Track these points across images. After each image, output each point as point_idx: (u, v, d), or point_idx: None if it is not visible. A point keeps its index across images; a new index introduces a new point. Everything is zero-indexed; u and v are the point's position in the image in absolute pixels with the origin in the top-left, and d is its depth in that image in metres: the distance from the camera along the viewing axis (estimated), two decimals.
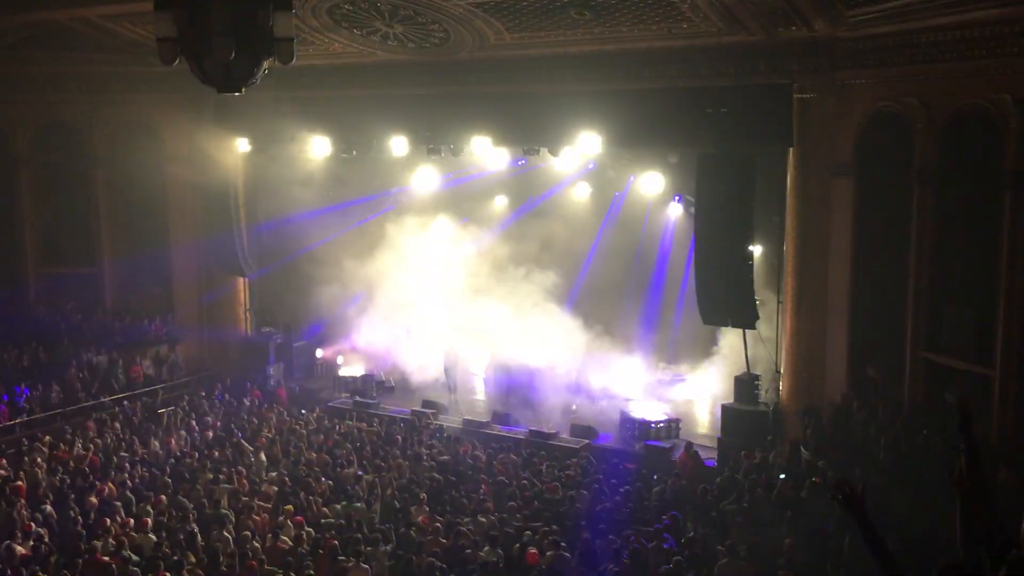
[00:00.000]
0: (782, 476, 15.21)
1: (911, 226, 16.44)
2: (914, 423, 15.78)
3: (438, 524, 13.77)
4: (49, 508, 14.71)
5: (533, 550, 12.58)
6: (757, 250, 19.29)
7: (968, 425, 4.89)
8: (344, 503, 14.99)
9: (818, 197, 18.00)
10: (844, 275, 17.88)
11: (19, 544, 13.07)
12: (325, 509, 14.87)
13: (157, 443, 18.49)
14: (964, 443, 4.90)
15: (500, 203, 25.15)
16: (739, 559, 11.86)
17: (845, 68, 17.16)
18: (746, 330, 18.86)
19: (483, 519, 14.12)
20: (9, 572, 11.92)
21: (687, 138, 18.98)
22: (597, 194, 23.95)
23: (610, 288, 23.35)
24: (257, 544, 13.33)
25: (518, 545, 12.85)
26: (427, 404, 21.76)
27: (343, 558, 12.27)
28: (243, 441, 18.28)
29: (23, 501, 14.76)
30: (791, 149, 18.19)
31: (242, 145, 23.26)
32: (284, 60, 6.63)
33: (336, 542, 12.75)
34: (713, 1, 15.86)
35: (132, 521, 14.21)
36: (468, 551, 12.59)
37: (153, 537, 13.40)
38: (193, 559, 12.38)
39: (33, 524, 13.81)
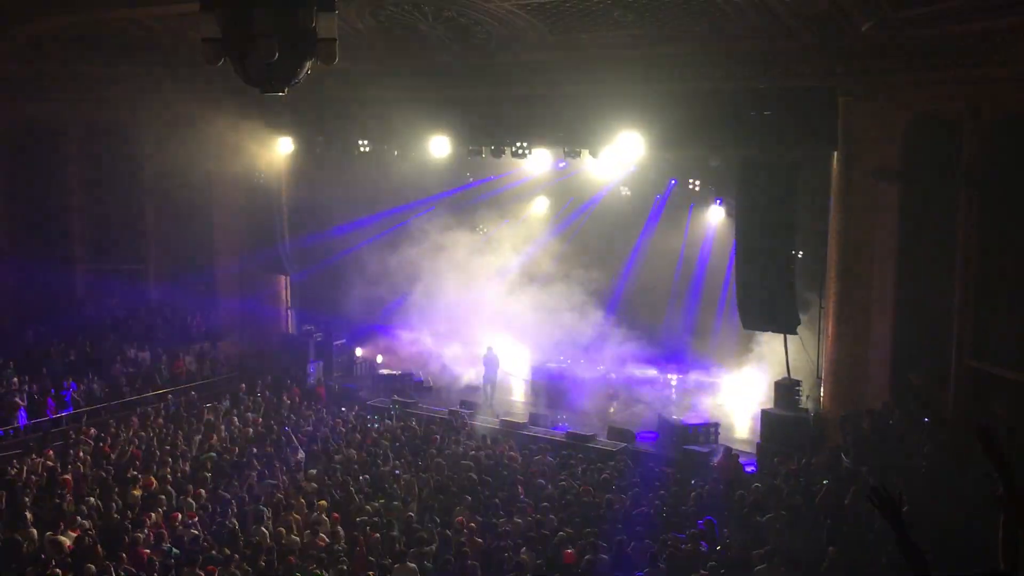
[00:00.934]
0: (824, 482, 15.03)
1: (957, 231, 16.17)
2: (957, 432, 15.52)
3: (474, 524, 13.80)
4: (94, 500, 14.98)
5: (570, 550, 12.56)
6: (799, 254, 19.09)
7: (994, 449, 4.81)
8: (382, 501, 15.08)
9: (862, 201, 17.77)
10: (888, 280, 17.64)
11: (65, 536, 13.33)
12: (367, 507, 14.97)
13: (199, 438, 18.73)
14: (994, 467, 4.83)
15: (541, 206, 25.11)
16: (777, 566, 11.75)
17: (891, 71, 16.91)
18: (787, 335, 18.67)
19: (519, 520, 14.12)
20: (54, 563, 12.15)
21: (730, 141, 18.85)
22: (637, 197, 23.83)
23: (652, 291, 23.24)
24: (295, 539, 13.46)
25: (554, 546, 12.83)
26: (464, 404, 21.82)
27: (386, 559, 12.34)
28: (292, 435, 18.46)
29: (70, 494, 15.05)
30: (835, 152, 17.98)
31: (286, 145, 23.50)
32: (326, 61, 6.70)
33: (378, 535, 12.84)
34: (757, 3, 15.73)
35: (178, 515, 14.40)
36: (506, 553, 12.59)
37: (195, 531, 13.57)
38: (233, 554, 12.50)
39: (79, 516, 14.07)
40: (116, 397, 21.49)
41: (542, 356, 23.58)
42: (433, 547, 13.09)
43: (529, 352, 23.84)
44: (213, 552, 12.59)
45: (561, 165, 23.14)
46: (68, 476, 15.95)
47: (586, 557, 12.42)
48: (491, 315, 23.78)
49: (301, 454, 17.87)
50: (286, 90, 6.77)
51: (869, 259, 17.89)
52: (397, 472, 16.42)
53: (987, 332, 16.07)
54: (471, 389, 23.10)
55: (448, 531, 13.73)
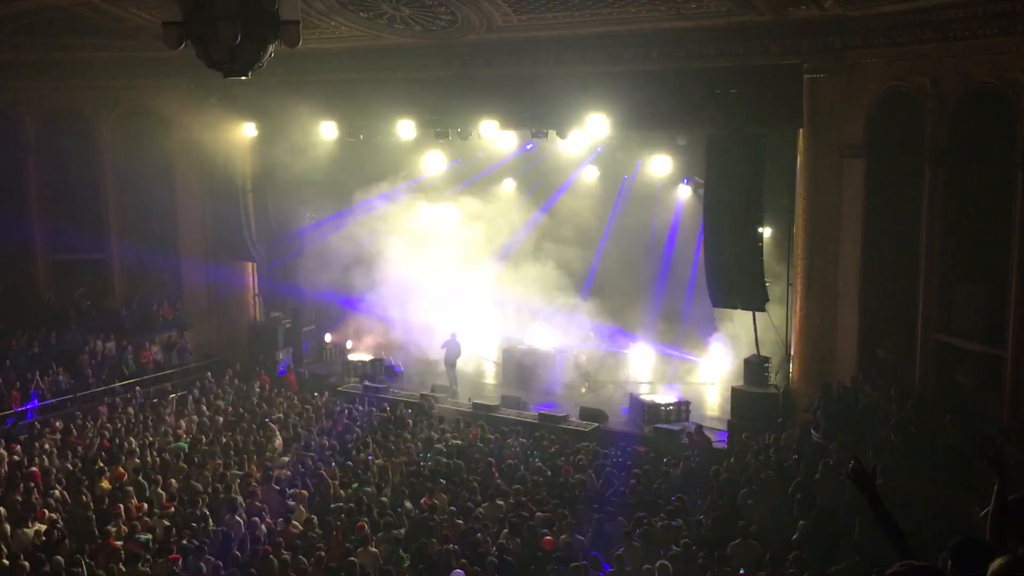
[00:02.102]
0: (794, 457, 15.19)
1: (922, 207, 16.33)
2: (925, 404, 15.74)
3: (452, 508, 13.81)
4: (59, 492, 14.80)
5: (549, 536, 12.59)
6: (767, 232, 19.21)
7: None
8: (355, 487, 15.03)
9: (828, 178, 17.90)
10: (855, 256, 17.80)
11: (32, 529, 13.16)
12: (339, 493, 14.91)
13: (168, 428, 18.55)
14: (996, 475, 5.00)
15: (511, 187, 24.98)
16: (750, 540, 11.87)
17: (855, 48, 17.03)
18: (756, 312, 18.80)
19: (500, 502, 14.13)
20: (22, 557, 11.99)
21: (696, 120, 18.87)
22: (605, 177, 23.83)
23: (623, 271, 23.28)
24: (267, 528, 13.38)
25: (528, 528, 12.86)
26: (436, 388, 21.77)
27: (350, 543, 12.32)
28: (269, 423, 18.35)
29: (37, 486, 14.83)
30: (801, 130, 18.07)
31: (249, 130, 23.21)
32: (290, 43, 6.60)
33: (364, 524, 12.82)
34: None
35: (145, 506, 14.27)
36: (479, 535, 12.60)
37: (166, 522, 13.45)
38: (204, 543, 12.41)
39: (47, 510, 13.88)
40: (82, 388, 21.20)
41: (513, 337, 23.56)
42: (402, 531, 13.09)
43: (500, 334, 23.79)
44: (184, 542, 12.48)
45: (529, 147, 23.10)
46: (35, 469, 15.72)
47: (563, 537, 12.47)
48: (462, 297, 23.70)
49: (278, 441, 17.73)
50: (249, 73, 6.66)
51: (836, 236, 18.03)
52: (371, 458, 16.38)
53: (951, 305, 16.27)
54: (443, 374, 23.03)
55: (424, 515, 13.72)
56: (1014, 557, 4.06)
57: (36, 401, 20.17)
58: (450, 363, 22.53)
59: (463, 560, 11.67)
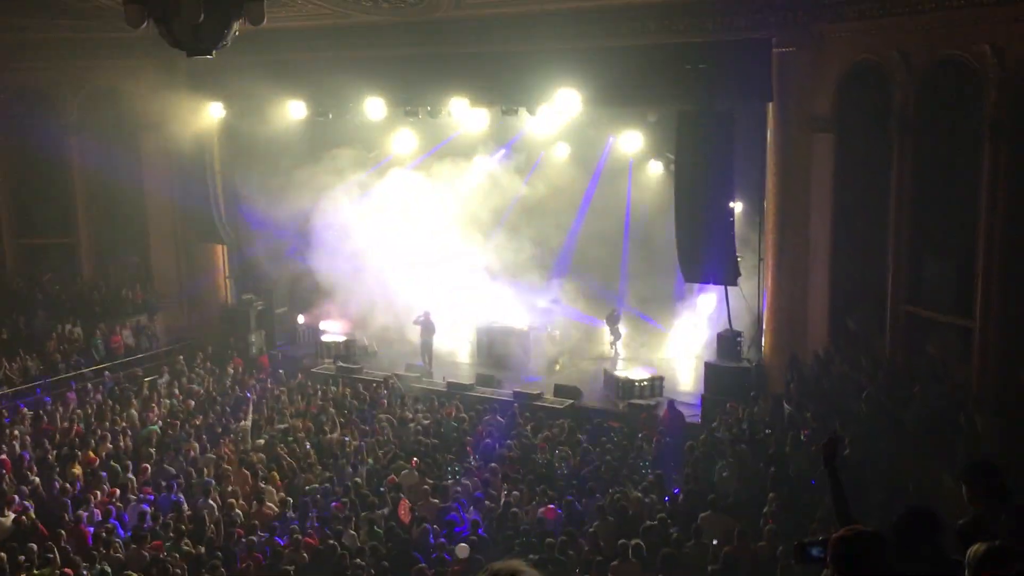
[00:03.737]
0: (767, 431, 15.33)
1: (891, 179, 16.44)
2: (895, 375, 15.91)
3: (426, 487, 13.82)
4: (34, 479, 14.66)
5: (551, 506, 12.74)
6: (738, 207, 19.27)
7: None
8: (330, 467, 15.01)
9: (798, 152, 18.00)
10: (825, 230, 17.92)
11: (7, 518, 13.03)
12: (310, 475, 14.89)
13: (139, 412, 18.40)
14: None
15: (481, 165, 24.82)
16: (722, 513, 11.98)
17: (824, 21, 17.08)
18: (728, 287, 18.88)
19: (468, 481, 14.17)
20: None
21: (666, 95, 18.86)
22: (577, 154, 23.79)
23: (598, 246, 23.29)
24: (242, 511, 13.34)
25: (503, 505, 12.92)
26: (410, 368, 21.74)
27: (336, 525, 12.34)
28: (239, 404, 18.23)
29: (7, 474, 14.67)
30: (770, 104, 18.12)
31: (216, 110, 22.92)
32: (254, 21, 6.50)
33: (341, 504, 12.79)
34: None
35: (117, 491, 14.17)
36: (455, 513, 12.64)
37: (139, 507, 13.37)
38: (179, 527, 12.36)
39: (17, 496, 13.74)
40: (51, 374, 20.96)
41: (487, 315, 23.52)
42: (385, 511, 13.10)
43: (474, 311, 23.74)
44: (158, 528, 12.43)
45: (499, 124, 22.96)
46: (4, 456, 15.54)
47: (542, 509, 12.57)
48: (437, 275, 23.60)
49: (246, 423, 17.65)
50: (214, 52, 6.56)
51: (805, 209, 18.14)
52: (347, 439, 16.35)
53: (920, 277, 16.43)
54: (416, 354, 22.98)
55: (400, 494, 13.74)
56: (993, 545, 4.13)
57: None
58: (425, 341, 22.49)
59: (441, 540, 11.71)
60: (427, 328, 22.46)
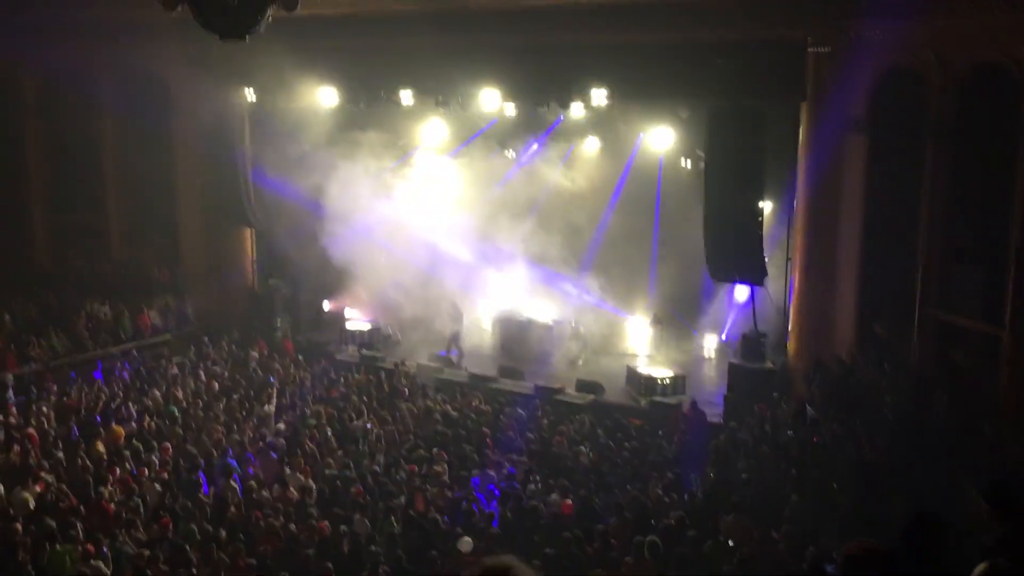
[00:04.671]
0: (789, 433, 15.22)
1: (923, 183, 16.25)
2: (920, 382, 15.75)
3: (445, 478, 13.85)
4: (59, 455, 14.83)
5: (568, 501, 12.70)
6: (767, 206, 19.12)
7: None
8: (351, 454, 15.07)
9: (830, 153, 17.80)
10: (855, 232, 17.75)
11: (29, 492, 13.19)
12: (330, 460, 14.95)
13: (163, 393, 18.56)
14: None
15: (509, 156, 24.78)
16: (743, 516, 11.91)
17: (861, 21, 16.86)
18: (754, 287, 18.76)
19: (492, 473, 14.18)
20: (20, 520, 12.03)
21: (698, 92, 18.74)
22: (607, 149, 23.69)
23: (625, 243, 23.21)
24: (265, 494, 13.42)
25: (523, 499, 12.91)
26: (434, 358, 21.77)
27: (354, 513, 12.37)
28: (266, 389, 18.34)
29: (34, 449, 14.86)
30: (803, 104, 17.95)
31: (248, 95, 23.03)
32: (288, 7, 6.49)
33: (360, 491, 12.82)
34: None
35: (145, 470, 14.29)
36: (473, 505, 12.65)
37: (158, 487, 13.48)
38: (196, 509, 12.45)
39: (42, 472, 13.89)
40: (79, 352, 21.19)
41: (512, 308, 23.51)
42: (401, 499, 13.13)
43: (499, 304, 23.72)
44: (177, 507, 12.52)
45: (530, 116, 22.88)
46: (32, 431, 15.74)
47: (567, 501, 12.56)
48: (462, 266, 23.59)
49: (269, 408, 17.77)
50: (247, 37, 6.57)
51: (836, 211, 17.97)
52: (369, 426, 16.40)
53: (949, 283, 16.25)
54: (444, 343, 23.02)
55: (418, 483, 13.77)
56: (995, 564, 4.06)
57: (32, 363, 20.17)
58: (454, 333, 22.57)
59: (458, 530, 11.73)
60: (456, 318, 22.51)
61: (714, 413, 18.21)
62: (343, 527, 11.69)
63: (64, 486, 13.41)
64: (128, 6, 21.34)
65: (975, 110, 15.49)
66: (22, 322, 21.74)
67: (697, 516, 12.13)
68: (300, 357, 21.95)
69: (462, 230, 23.63)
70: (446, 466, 14.54)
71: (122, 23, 22.62)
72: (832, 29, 17.08)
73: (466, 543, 11.21)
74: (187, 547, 11.01)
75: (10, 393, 17.92)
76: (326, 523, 12.01)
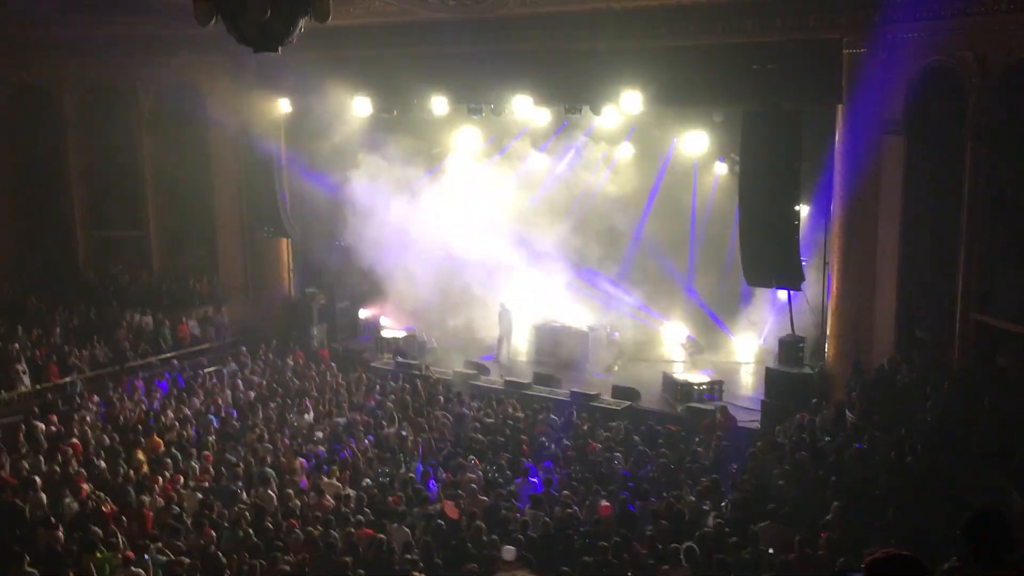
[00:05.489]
0: (827, 439, 15.03)
1: (963, 184, 16.00)
2: (963, 386, 15.48)
3: (475, 485, 13.85)
4: (101, 463, 15.04)
5: (605, 503, 12.74)
6: (804, 210, 18.95)
7: None
8: (387, 461, 15.13)
9: (867, 155, 17.59)
10: (893, 235, 17.51)
11: (72, 499, 13.39)
12: (368, 469, 15.02)
13: (202, 402, 18.77)
14: None
15: (546, 163, 24.75)
16: (779, 522, 11.77)
17: (896, 21, 16.65)
18: (792, 291, 18.59)
19: (531, 480, 14.15)
20: (61, 527, 12.23)
21: (733, 96, 18.60)
22: (641, 155, 23.63)
23: (661, 248, 23.14)
24: (300, 502, 13.51)
25: (559, 505, 12.88)
26: (470, 365, 21.82)
27: (392, 522, 12.40)
28: (303, 398, 18.49)
29: (77, 457, 15.09)
30: (840, 106, 17.76)
31: (284, 106, 23.28)
32: (320, 18, 6.54)
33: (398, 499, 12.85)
34: None
35: (181, 478, 14.46)
36: (509, 513, 12.63)
37: (199, 495, 13.61)
38: (236, 517, 12.55)
39: (83, 481, 14.09)
40: (120, 362, 21.51)
41: (548, 313, 23.51)
42: (438, 506, 13.15)
43: (535, 309, 23.72)
44: (216, 516, 12.64)
45: (564, 123, 22.87)
46: (75, 440, 15.99)
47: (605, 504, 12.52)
48: (499, 272, 23.60)
49: (310, 416, 17.90)
50: (280, 49, 6.64)
51: (874, 214, 17.75)
52: (403, 433, 16.46)
53: (992, 286, 15.98)
54: (477, 349, 23.07)
55: (458, 491, 13.78)
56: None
57: (74, 372, 20.46)
58: (504, 334, 22.70)
59: (494, 536, 11.71)
60: (506, 320, 22.74)
61: (752, 419, 18.07)
62: (380, 535, 11.72)
63: (104, 494, 13.61)
64: (163, 21, 21.67)
65: (1014, 109, 15.23)
66: (65, 333, 22.11)
67: (734, 522, 12.02)
68: (336, 365, 22.07)
69: (499, 235, 23.64)
70: (482, 473, 14.56)
71: (159, 37, 22.97)
72: (867, 29, 16.89)
73: (509, 551, 11.18)
74: (221, 555, 11.10)
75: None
76: (363, 531, 12.05)
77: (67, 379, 20.08)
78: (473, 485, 13.82)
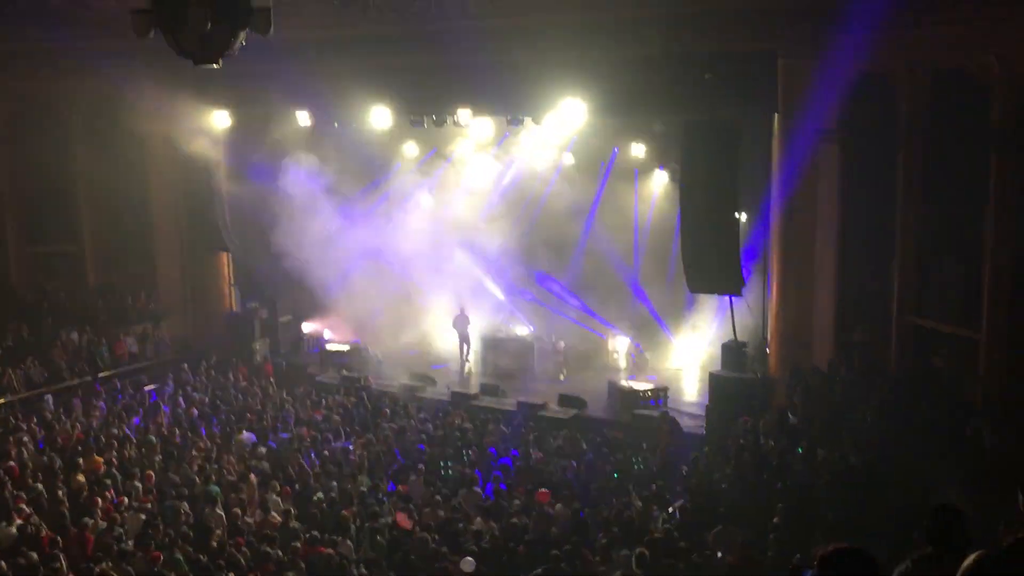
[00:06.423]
0: (770, 442, 15.25)
1: (896, 189, 16.42)
2: (900, 387, 15.85)
3: (432, 496, 13.79)
4: (38, 487, 14.62)
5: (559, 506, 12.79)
6: (745, 217, 19.24)
7: None
8: (334, 476, 14.97)
9: (803, 163, 17.92)
10: (831, 240, 17.87)
11: (7, 525, 13.00)
12: (315, 485, 14.84)
13: (143, 421, 18.39)
14: None
15: (489, 174, 24.76)
16: (730, 526, 11.90)
17: (830, 33, 17.01)
18: (732, 297, 18.84)
19: (477, 490, 14.14)
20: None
21: (672, 105, 18.81)
22: (582, 165, 23.78)
23: (604, 256, 23.29)
24: (248, 520, 13.31)
25: (508, 515, 12.88)
26: (415, 377, 21.73)
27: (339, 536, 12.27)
28: (246, 414, 18.23)
29: (13, 481, 14.65)
30: (776, 115, 18.09)
31: (222, 118, 22.97)
32: (261, 31, 6.49)
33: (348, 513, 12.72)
34: None
35: (125, 499, 14.14)
36: (460, 524, 12.59)
37: (142, 516, 13.33)
38: (183, 536, 12.32)
39: (24, 504, 13.70)
40: (56, 381, 20.97)
41: (491, 324, 23.53)
42: (388, 519, 13.06)
43: (479, 320, 23.73)
44: (160, 536, 12.38)
45: (505, 133, 22.99)
46: (12, 463, 15.52)
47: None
48: (443, 284, 23.56)
49: (249, 432, 17.62)
50: (220, 62, 6.56)
51: (811, 220, 18.08)
52: (349, 445, 16.32)
53: (927, 289, 16.39)
54: (422, 362, 22.98)
55: (403, 503, 13.70)
56: (984, 554, 4.03)
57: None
58: (462, 338, 22.74)
59: (443, 549, 11.65)
60: (462, 324, 22.91)
61: (698, 424, 18.26)
62: (329, 550, 11.59)
63: (46, 518, 13.24)
64: (99, 32, 21.23)
65: (943, 115, 15.68)
66: None
67: (684, 527, 12.13)
68: (278, 380, 21.79)
69: (445, 245, 23.61)
70: (431, 486, 14.50)
71: (92, 49, 22.48)
72: (802, 40, 17.23)
73: (468, 563, 11.12)
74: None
75: None
76: (312, 547, 11.91)
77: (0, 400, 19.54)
78: (433, 498, 13.74)
